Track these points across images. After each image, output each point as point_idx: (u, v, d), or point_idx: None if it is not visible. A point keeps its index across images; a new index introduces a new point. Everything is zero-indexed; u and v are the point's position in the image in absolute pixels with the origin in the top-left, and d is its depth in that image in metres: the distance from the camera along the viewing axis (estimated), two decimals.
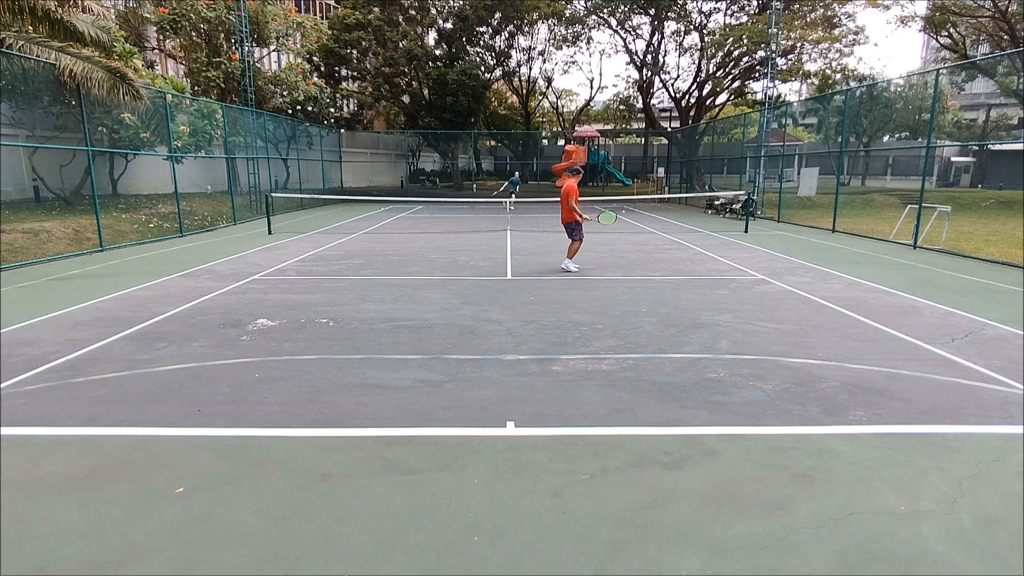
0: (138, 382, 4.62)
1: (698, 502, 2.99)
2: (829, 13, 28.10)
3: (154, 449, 3.55)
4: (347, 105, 37.34)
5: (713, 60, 31.20)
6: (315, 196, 24.17)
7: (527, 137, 41.47)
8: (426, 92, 35.17)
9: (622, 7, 31.23)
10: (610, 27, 33.74)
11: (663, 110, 43.88)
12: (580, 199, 9.72)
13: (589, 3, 32.97)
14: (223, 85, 22.14)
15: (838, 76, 29.36)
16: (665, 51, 33.80)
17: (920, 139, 27.65)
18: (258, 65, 25.44)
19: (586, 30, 34.74)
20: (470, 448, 3.58)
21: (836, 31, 28.01)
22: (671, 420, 3.97)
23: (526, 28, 36.27)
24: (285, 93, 25.40)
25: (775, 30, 22.57)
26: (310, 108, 27.05)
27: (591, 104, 44.32)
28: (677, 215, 21.31)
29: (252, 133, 20.22)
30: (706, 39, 30.74)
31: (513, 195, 22.92)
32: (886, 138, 32.56)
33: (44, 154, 14.47)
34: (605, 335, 5.88)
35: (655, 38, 33.06)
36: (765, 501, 2.99)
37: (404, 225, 17.50)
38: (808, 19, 28.16)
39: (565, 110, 47.20)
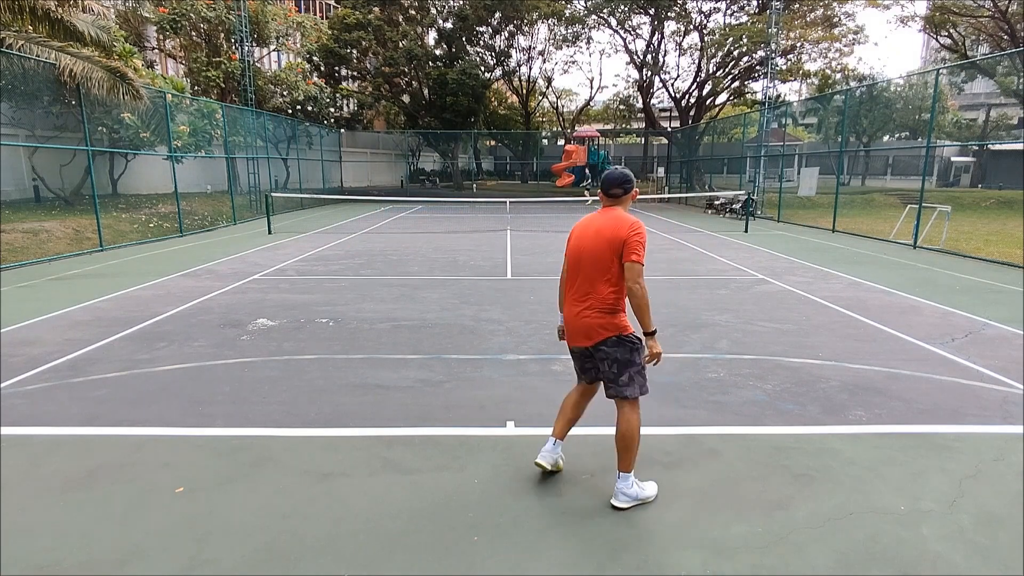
0: (138, 382, 4.62)
1: (698, 502, 2.99)
2: (829, 13, 28.09)
3: (154, 449, 3.55)
4: (347, 105, 37.33)
5: (713, 60, 31.19)
6: (315, 196, 24.15)
7: (527, 137, 41.47)
8: (426, 92, 35.16)
9: (622, 7, 31.21)
10: (610, 27, 33.74)
11: (663, 110, 43.84)
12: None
13: (589, 3, 32.96)
14: (223, 85, 22.13)
15: (838, 76, 29.37)
16: (665, 51, 33.83)
17: (920, 139, 27.65)
18: (258, 65, 25.43)
19: (586, 30, 34.74)
20: (470, 448, 3.58)
21: (836, 31, 28.02)
22: (671, 420, 3.96)
23: (526, 28, 36.27)
24: (285, 93, 25.40)
25: (775, 30, 22.58)
26: (310, 108, 27.05)
27: (591, 104, 44.32)
28: (677, 215, 21.31)
29: (252, 133, 20.21)
30: (706, 39, 30.74)
31: (588, 191, 28.11)
32: (886, 138, 32.56)
33: (44, 154, 14.47)
34: None
35: (655, 38, 33.07)
36: (765, 501, 2.99)
37: (404, 225, 17.50)
38: (808, 19, 28.16)
39: (565, 110, 47.18)
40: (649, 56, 33.53)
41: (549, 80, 40.93)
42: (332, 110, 31.83)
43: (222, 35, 22.41)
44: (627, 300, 2.90)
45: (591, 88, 52.18)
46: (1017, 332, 6.00)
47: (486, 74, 35.43)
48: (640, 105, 37.32)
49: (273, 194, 17.71)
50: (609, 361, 2.93)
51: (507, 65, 37.41)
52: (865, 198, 24.91)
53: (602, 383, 3.07)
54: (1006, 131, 33.08)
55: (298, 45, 29.93)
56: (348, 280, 8.80)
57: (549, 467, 3.20)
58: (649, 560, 2.55)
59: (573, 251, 3.03)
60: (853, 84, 27.90)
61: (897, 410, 4.11)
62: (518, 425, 3.88)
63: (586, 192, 27.37)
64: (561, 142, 44.06)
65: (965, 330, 6.08)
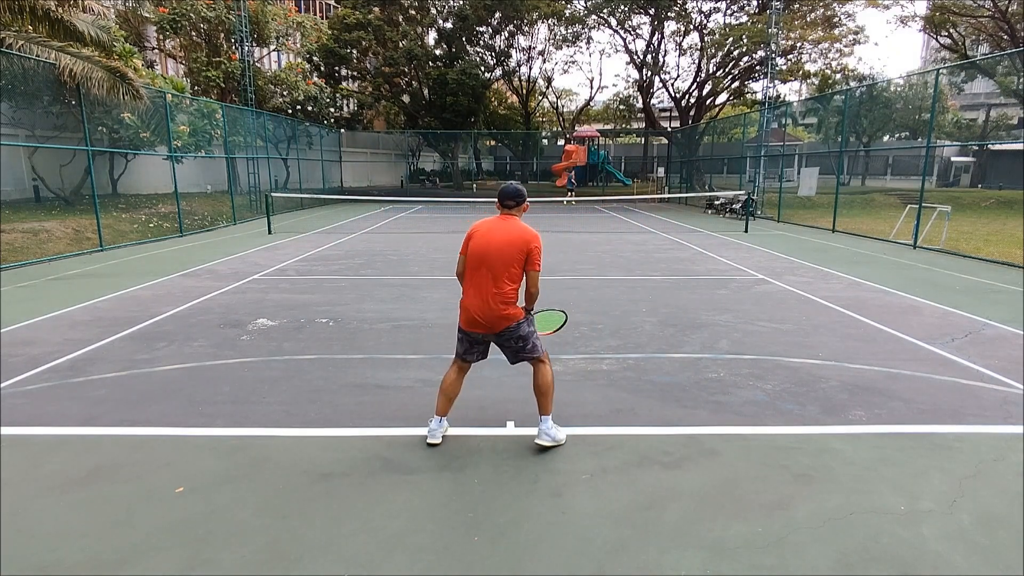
0: (138, 382, 4.62)
1: (698, 502, 2.99)
2: (829, 13, 28.10)
3: (154, 449, 3.55)
4: (347, 105, 37.34)
5: (713, 60, 31.19)
6: (315, 196, 24.16)
7: (527, 137, 41.45)
8: (426, 92, 35.17)
9: (622, 7, 31.21)
10: (610, 27, 33.74)
11: (663, 110, 43.87)
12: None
13: (589, 3, 32.96)
14: (223, 85, 22.13)
15: (838, 76, 29.35)
16: (665, 51, 33.84)
17: (920, 139, 27.64)
18: (258, 65, 25.43)
19: (586, 30, 34.74)
20: (470, 448, 3.58)
21: (836, 31, 28.02)
22: (671, 420, 3.96)
23: (526, 28, 36.26)
24: (285, 93, 25.40)
25: (775, 30, 22.58)
26: (310, 108, 27.05)
27: (591, 104, 44.32)
28: (677, 215, 21.31)
29: (252, 133, 20.21)
30: (706, 39, 30.74)
31: (572, 192, 28.24)
32: (886, 138, 32.55)
33: (44, 154, 14.46)
34: (605, 335, 5.88)
35: (655, 38, 33.08)
36: (765, 501, 2.99)
37: (404, 225, 17.50)
38: (808, 19, 28.16)
39: (565, 110, 47.19)
40: (649, 56, 33.53)
41: (549, 80, 40.94)
42: (332, 110, 31.84)
43: (222, 35, 22.41)
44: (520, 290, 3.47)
45: (591, 88, 52.30)
46: (1017, 332, 6.00)
47: (486, 74, 35.42)
48: (640, 105, 37.34)
49: (273, 194, 17.70)
50: (514, 339, 3.48)
51: (507, 65, 37.40)
52: (865, 198, 24.91)
53: (503, 355, 3.64)
54: (1006, 131, 33.07)
55: (298, 45, 29.94)
56: (348, 280, 8.79)
57: (439, 442, 3.61)
58: (649, 560, 2.55)
59: (479, 250, 3.43)
60: (853, 84, 27.90)
61: (897, 410, 4.11)
62: (518, 425, 3.88)
63: (570, 193, 27.41)
64: (561, 142, 44.06)
65: (965, 330, 6.08)
